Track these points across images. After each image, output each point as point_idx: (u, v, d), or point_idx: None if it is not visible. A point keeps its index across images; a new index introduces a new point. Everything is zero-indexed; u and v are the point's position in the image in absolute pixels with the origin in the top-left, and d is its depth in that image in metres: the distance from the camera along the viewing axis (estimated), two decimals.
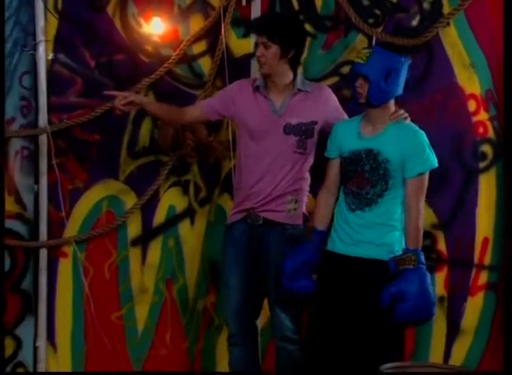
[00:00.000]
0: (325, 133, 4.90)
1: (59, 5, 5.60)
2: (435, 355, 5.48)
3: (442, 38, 5.43)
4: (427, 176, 4.56)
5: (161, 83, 5.58)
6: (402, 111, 4.67)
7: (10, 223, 5.62)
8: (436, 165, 4.58)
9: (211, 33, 5.56)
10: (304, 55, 5.19)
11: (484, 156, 5.53)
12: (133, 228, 5.66)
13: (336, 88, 5.31)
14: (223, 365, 5.57)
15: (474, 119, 5.52)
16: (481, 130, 5.53)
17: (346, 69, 5.45)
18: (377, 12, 5.49)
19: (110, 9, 5.60)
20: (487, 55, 5.47)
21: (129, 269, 5.63)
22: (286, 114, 4.87)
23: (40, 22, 5.59)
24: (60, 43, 5.61)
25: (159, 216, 5.66)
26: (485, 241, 5.55)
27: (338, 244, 4.65)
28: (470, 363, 5.50)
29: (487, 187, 5.53)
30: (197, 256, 5.63)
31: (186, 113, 5.10)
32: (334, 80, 5.52)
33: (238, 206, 4.98)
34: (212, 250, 5.58)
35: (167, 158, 5.60)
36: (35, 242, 5.63)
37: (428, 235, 5.42)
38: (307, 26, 5.48)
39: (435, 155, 4.58)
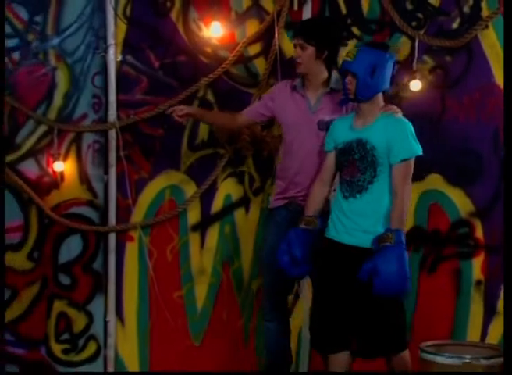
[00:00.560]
0: None
1: (128, 12, 5.54)
2: (473, 335, 5.24)
3: (481, 40, 5.18)
4: (411, 162, 4.44)
5: (219, 82, 5.48)
6: (394, 107, 4.58)
7: (82, 210, 5.61)
8: (420, 152, 4.46)
9: (266, 36, 5.44)
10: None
11: None
12: (193, 215, 5.57)
13: None
14: None
15: None
16: None
17: None
18: (419, 15, 5.28)
19: (173, 15, 5.52)
20: None
21: (189, 252, 5.54)
22: (320, 111, 4.78)
23: (111, 27, 5.53)
24: (128, 46, 5.56)
25: (217, 204, 5.56)
26: None
27: (332, 231, 4.54)
28: None
29: None
30: (251, 241, 5.51)
31: (237, 119, 5.08)
32: None
33: (280, 194, 4.92)
34: (262, 235, 5.39)
35: (224, 151, 5.51)
36: (105, 227, 5.59)
37: (466, 223, 5.23)
38: (354, 29, 5.34)
39: (419, 144, 4.47)
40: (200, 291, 5.56)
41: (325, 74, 4.79)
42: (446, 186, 5.20)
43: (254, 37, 5.44)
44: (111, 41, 5.51)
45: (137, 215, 5.57)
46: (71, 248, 5.59)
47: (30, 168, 5.58)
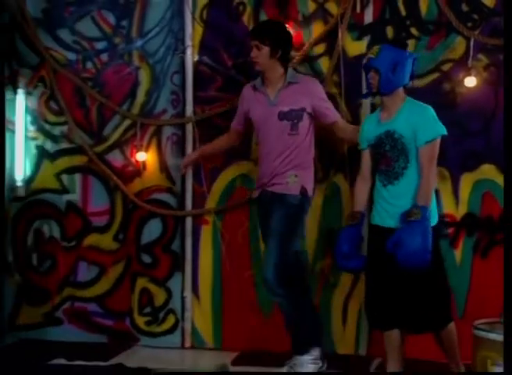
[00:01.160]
0: (314, 118, 4.79)
1: (204, 16, 5.43)
2: None
3: None
4: (436, 143, 4.35)
5: None
6: None
7: (162, 196, 5.55)
8: (443, 133, 4.37)
9: (330, 37, 5.25)
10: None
11: None
12: None
13: (437, 82, 5.06)
14: (337, 317, 5.29)
15: None
16: None
17: (446, 67, 5.08)
18: (475, 16, 5.04)
19: (245, 18, 5.39)
20: None
21: (258, 235, 5.29)
22: (279, 103, 4.75)
23: (189, 30, 5.43)
24: (204, 47, 5.45)
25: None
26: None
27: (377, 218, 4.47)
28: None
29: None
30: (316, 225, 5.29)
31: (230, 136, 5.10)
32: (435, 75, 5.11)
33: (257, 183, 4.92)
34: (328, 220, 5.28)
35: None
36: (182, 211, 5.50)
37: None
38: (413, 30, 5.12)
39: (442, 125, 4.36)
40: None
41: (281, 70, 4.76)
42: (498, 175, 4.94)
43: (319, 38, 5.26)
44: (188, 42, 5.41)
45: (211, 201, 5.45)
46: (152, 230, 5.52)
47: (116, 158, 5.56)
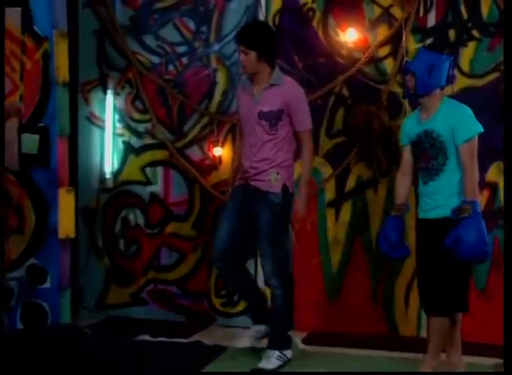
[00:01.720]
0: (290, 117, 4.51)
1: (276, 21, 5.31)
2: None
3: None
4: (474, 141, 4.18)
5: (353, 79, 5.16)
6: None
7: None
8: (480, 130, 4.20)
9: (394, 40, 5.10)
10: (471, 55, 4.82)
11: None
12: (330, 193, 5.29)
13: (498, 82, 4.86)
14: (400, 302, 5.15)
15: None
16: None
17: None
18: None
19: (315, 23, 5.26)
20: None
21: (326, 225, 5.23)
22: (261, 103, 4.52)
23: None
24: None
25: (350, 184, 5.24)
26: None
27: (421, 212, 4.34)
28: None
29: None
30: (379, 216, 5.14)
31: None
32: (495, 75, 4.93)
33: (239, 175, 4.71)
34: (390, 211, 4.91)
35: (357, 138, 5.14)
36: None
37: None
38: (475, 32, 4.92)
39: (478, 124, 4.19)
40: (335, 258, 5.27)
41: (268, 71, 4.52)
42: None
43: (384, 40, 5.10)
44: None
45: None
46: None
47: (194, 153, 5.50)
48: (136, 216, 5.57)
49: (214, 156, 5.38)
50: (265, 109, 4.47)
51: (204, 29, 5.39)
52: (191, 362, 4.62)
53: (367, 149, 5.09)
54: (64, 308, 5.22)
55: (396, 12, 5.06)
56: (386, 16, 5.09)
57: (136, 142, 5.55)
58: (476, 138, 4.19)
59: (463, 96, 4.60)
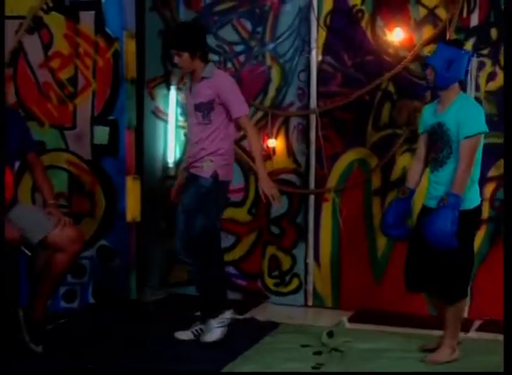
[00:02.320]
0: (223, 107, 4.49)
1: (328, 21, 5.33)
2: None
3: None
4: (475, 139, 4.11)
5: (399, 76, 5.15)
6: None
7: (289, 176, 5.50)
8: (483, 130, 4.15)
9: (438, 39, 5.01)
10: None
11: None
12: (375, 182, 5.30)
13: None
14: None
15: None
16: None
17: None
18: None
19: (364, 23, 5.26)
20: None
21: (372, 212, 5.26)
22: (195, 96, 4.53)
23: (314, 34, 5.34)
24: (327, 48, 5.34)
25: (395, 174, 5.24)
26: None
27: (425, 200, 4.35)
28: None
29: None
30: (420, 201, 4.93)
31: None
32: None
33: (185, 163, 4.74)
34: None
35: (402, 131, 5.17)
36: (306, 190, 5.45)
37: None
38: None
39: (484, 124, 4.15)
40: (381, 243, 5.27)
41: (203, 67, 4.51)
42: None
43: (429, 39, 5.08)
44: (313, 44, 5.32)
45: (331, 181, 5.37)
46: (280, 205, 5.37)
47: None
48: None
49: (268, 147, 5.41)
50: (197, 101, 4.48)
51: (259, 29, 5.43)
52: (246, 336, 4.69)
53: (411, 141, 5.05)
54: (131, 286, 5.34)
55: (441, 12, 5.03)
56: (431, 16, 5.06)
57: None
58: (478, 137, 4.12)
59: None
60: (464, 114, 4.13)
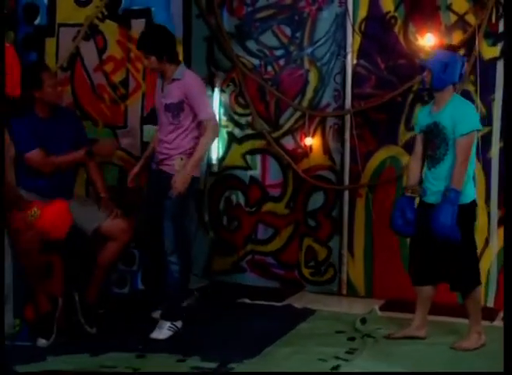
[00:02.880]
0: (191, 108, 4.48)
1: (362, 27, 5.35)
2: None
3: None
4: (470, 136, 4.17)
5: None
6: None
7: (325, 173, 5.52)
8: (477, 128, 4.22)
9: (468, 44, 5.06)
10: None
11: None
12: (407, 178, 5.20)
13: None
14: None
15: None
16: None
17: None
18: None
19: (396, 29, 5.26)
20: None
21: None
22: (166, 97, 4.51)
23: (349, 39, 5.36)
24: (361, 53, 5.36)
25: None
26: None
27: (423, 196, 4.35)
28: None
29: None
30: None
31: None
32: None
33: (154, 159, 4.71)
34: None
35: None
36: (341, 186, 5.47)
37: None
38: None
39: (478, 122, 4.23)
40: None
41: (173, 68, 4.48)
42: None
43: (459, 44, 5.04)
44: (349, 49, 5.34)
45: (365, 177, 5.38)
46: (316, 200, 5.53)
47: (288, 142, 5.58)
48: (237, 196, 5.69)
49: (305, 145, 5.44)
50: (168, 102, 4.46)
51: (298, 35, 5.46)
52: (284, 322, 4.74)
53: None
54: None
55: (470, 18, 5.02)
56: (461, 22, 5.05)
57: (238, 133, 5.66)
58: (473, 134, 4.17)
59: None
60: (459, 113, 4.18)
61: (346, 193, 5.42)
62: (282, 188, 5.57)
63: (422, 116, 4.42)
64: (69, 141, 4.65)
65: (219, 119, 5.65)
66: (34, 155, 4.45)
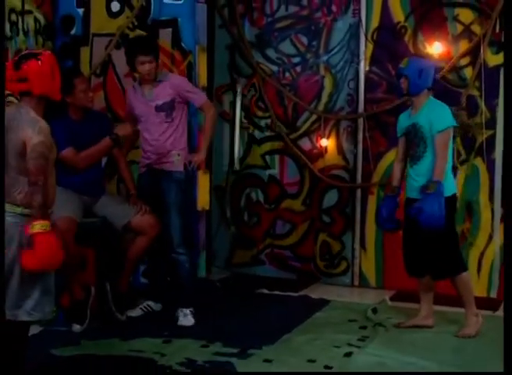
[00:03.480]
0: (185, 102, 4.59)
1: (375, 37, 5.39)
2: None
3: None
4: (447, 132, 4.25)
5: (438, 84, 5.02)
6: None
7: (339, 172, 5.55)
8: (453, 124, 4.29)
9: (473, 52, 5.10)
10: None
11: None
12: None
13: None
14: (473, 268, 5.12)
15: None
16: None
17: None
18: None
19: (406, 38, 5.31)
20: None
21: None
22: (155, 98, 4.52)
23: (362, 47, 5.41)
24: (373, 60, 5.41)
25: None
26: None
27: (407, 191, 4.44)
28: None
29: None
30: (459, 198, 5.01)
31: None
32: None
33: (142, 163, 4.68)
34: (468, 194, 5.17)
35: None
36: (354, 184, 5.51)
37: None
38: None
39: (452, 119, 4.29)
40: None
41: (157, 71, 4.55)
42: None
43: (465, 52, 5.11)
44: (362, 56, 5.39)
45: (376, 177, 5.42)
46: (331, 197, 5.57)
47: (305, 143, 5.61)
48: (257, 194, 5.74)
49: (321, 146, 5.48)
50: (160, 102, 4.48)
51: (314, 43, 5.50)
52: (300, 311, 4.80)
53: None
54: (200, 266, 5.48)
55: (476, 28, 5.06)
56: (467, 32, 5.08)
57: (258, 134, 5.71)
58: (449, 131, 4.24)
59: None
60: (434, 113, 4.26)
61: (359, 191, 5.46)
62: (298, 186, 5.62)
63: (403, 120, 4.46)
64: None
65: (240, 121, 5.71)
66: (67, 152, 4.51)
